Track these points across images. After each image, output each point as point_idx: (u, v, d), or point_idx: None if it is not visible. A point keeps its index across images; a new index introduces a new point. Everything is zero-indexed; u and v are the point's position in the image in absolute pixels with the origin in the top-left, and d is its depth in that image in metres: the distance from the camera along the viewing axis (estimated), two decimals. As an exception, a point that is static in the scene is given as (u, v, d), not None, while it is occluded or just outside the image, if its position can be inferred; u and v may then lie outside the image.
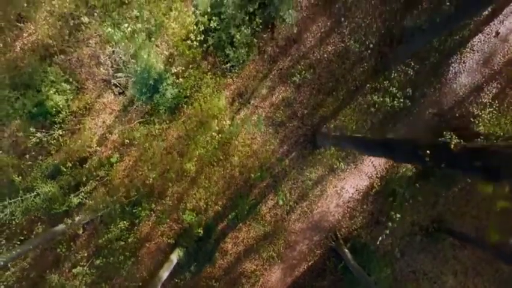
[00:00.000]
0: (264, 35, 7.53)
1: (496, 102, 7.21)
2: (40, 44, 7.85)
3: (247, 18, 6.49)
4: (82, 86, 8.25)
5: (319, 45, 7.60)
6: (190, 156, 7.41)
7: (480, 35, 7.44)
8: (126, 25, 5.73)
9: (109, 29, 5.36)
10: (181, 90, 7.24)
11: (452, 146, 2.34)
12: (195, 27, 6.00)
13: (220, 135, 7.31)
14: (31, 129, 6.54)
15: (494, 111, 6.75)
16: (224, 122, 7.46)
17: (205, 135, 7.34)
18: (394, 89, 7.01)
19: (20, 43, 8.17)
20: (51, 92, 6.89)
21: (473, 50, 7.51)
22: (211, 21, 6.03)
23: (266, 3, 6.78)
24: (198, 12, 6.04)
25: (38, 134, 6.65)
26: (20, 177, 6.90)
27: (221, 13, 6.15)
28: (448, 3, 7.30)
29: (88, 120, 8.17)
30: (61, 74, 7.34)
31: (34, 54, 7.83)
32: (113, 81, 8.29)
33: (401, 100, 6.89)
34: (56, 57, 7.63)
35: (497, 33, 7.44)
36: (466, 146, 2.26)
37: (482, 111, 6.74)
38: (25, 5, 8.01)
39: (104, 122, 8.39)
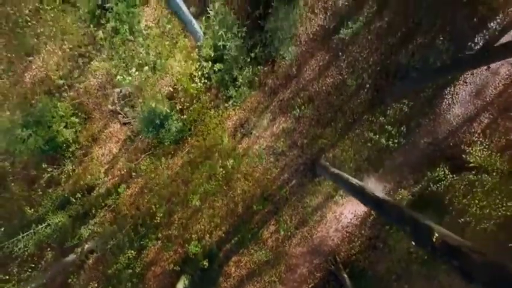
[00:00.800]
0: (265, 68, 7.85)
1: (488, 132, 7.54)
2: (49, 78, 8.17)
3: (248, 59, 6.80)
4: (89, 116, 8.56)
5: (318, 77, 7.90)
6: (194, 190, 7.70)
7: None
8: (134, 70, 6.03)
9: (119, 77, 5.66)
10: (186, 124, 7.54)
11: (434, 239, 2.61)
12: (198, 72, 6.30)
13: (223, 170, 7.61)
14: (43, 165, 6.84)
15: (484, 147, 7.04)
16: (227, 155, 7.75)
17: (209, 171, 7.65)
18: (389, 126, 7.32)
19: (29, 75, 8.50)
20: (61, 127, 7.18)
21: (466, 83, 7.82)
22: (215, 65, 6.33)
23: (267, 43, 7.08)
24: (201, 56, 6.34)
25: (50, 169, 6.95)
26: (32, 210, 7.20)
27: (224, 55, 6.44)
28: (441, 38, 7.61)
29: (95, 149, 8.48)
30: (70, 108, 7.64)
31: (43, 86, 8.17)
32: (119, 110, 8.61)
33: (396, 141, 7.20)
34: (64, 90, 7.94)
35: (489, 67, 7.74)
36: (446, 241, 2.52)
37: (473, 147, 7.03)
38: (35, 40, 8.32)
39: (110, 151, 8.70)
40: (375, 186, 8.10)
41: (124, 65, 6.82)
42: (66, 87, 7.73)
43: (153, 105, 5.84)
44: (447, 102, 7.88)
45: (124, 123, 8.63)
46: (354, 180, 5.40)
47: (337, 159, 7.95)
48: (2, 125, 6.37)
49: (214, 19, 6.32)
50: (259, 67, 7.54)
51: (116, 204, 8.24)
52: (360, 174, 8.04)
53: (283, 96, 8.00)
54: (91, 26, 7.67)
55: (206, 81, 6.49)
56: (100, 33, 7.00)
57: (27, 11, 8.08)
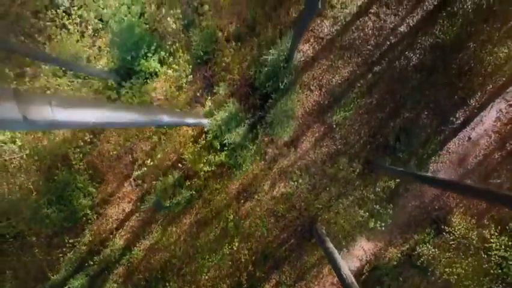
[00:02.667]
0: (265, 139, 8.59)
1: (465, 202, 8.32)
2: (65, 147, 8.88)
3: (253, 146, 7.56)
4: (102, 179, 9.28)
5: (314, 147, 8.64)
6: (202, 265, 8.47)
7: (455, 139, 8.49)
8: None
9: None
10: (194, 193, 8.27)
11: None
12: (204, 159, 7.06)
13: (228, 239, 8.35)
14: (65, 238, 7.56)
15: (463, 219, 7.77)
16: (230, 223, 8.49)
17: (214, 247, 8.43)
18: (377, 206, 8.07)
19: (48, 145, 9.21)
20: (80, 199, 7.91)
21: (449, 152, 8.55)
22: (221, 154, 7.07)
23: (267, 124, 7.84)
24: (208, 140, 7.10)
25: (71, 240, 7.67)
26: (54, 275, 7.92)
27: (229, 144, 7.20)
28: (425, 113, 8.36)
29: (109, 210, 9.20)
30: (87, 178, 8.36)
31: (61, 157, 8.89)
32: (131, 174, 9.33)
33: (383, 224, 7.95)
34: (79, 159, 8.65)
35: (469, 138, 8.48)
36: None
37: (454, 216, 7.76)
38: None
39: (124, 210, 9.42)
40: (366, 247, 8.84)
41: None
42: (81, 154, 8.42)
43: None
44: (432, 169, 8.61)
45: (136, 185, 9.36)
46: (339, 260, 6.18)
47: (331, 225, 8.68)
48: (29, 207, 7.09)
49: (218, 113, 7.08)
50: (260, 141, 8.28)
51: (129, 262, 8.97)
52: (352, 235, 8.77)
53: (283, 164, 8.73)
54: (107, 91, 8.44)
55: (212, 167, 7.24)
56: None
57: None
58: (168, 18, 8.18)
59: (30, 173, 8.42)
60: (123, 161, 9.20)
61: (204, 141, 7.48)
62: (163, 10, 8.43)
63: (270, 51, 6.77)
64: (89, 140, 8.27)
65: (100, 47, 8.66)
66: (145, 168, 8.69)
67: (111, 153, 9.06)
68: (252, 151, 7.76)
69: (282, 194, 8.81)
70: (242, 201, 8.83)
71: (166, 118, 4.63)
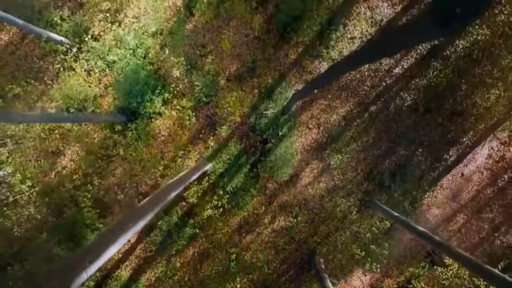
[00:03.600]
0: (266, 175, 8.90)
1: (463, 231, 8.60)
2: (71, 180, 9.20)
3: (254, 189, 7.89)
4: (108, 212, 9.59)
5: (312, 183, 8.95)
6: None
7: (448, 175, 8.80)
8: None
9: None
10: (198, 231, 8.58)
11: None
12: (209, 204, 7.38)
13: (231, 276, 8.66)
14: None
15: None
16: (232, 263, 8.82)
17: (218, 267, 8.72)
18: (374, 246, 8.39)
19: (56, 172, 9.53)
20: (88, 235, 8.22)
21: (443, 188, 8.86)
22: (224, 198, 7.39)
23: (267, 164, 8.16)
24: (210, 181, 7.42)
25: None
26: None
27: (232, 188, 7.53)
28: (420, 150, 8.68)
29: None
30: (95, 215, 8.67)
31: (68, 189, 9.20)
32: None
33: (378, 266, 8.27)
34: (87, 193, 8.97)
35: (463, 174, 8.79)
36: None
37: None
38: (60, 144, 9.36)
39: (129, 241, 9.73)
40: (363, 278, 9.15)
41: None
42: (90, 187, 8.73)
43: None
44: (427, 204, 8.92)
45: (141, 218, 9.66)
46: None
47: (330, 258, 8.98)
48: (41, 247, 7.41)
49: (220, 157, 7.39)
50: (261, 177, 8.61)
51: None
52: (350, 268, 9.08)
53: (282, 199, 9.04)
54: (113, 135, 8.77)
55: (215, 211, 7.57)
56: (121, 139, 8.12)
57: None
58: (172, 58, 8.51)
59: (39, 208, 8.76)
60: (129, 194, 9.52)
61: (207, 184, 7.79)
62: (167, 50, 8.76)
63: (269, 106, 7.06)
64: (97, 183, 8.60)
65: (106, 84, 9.00)
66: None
67: (117, 188, 9.39)
68: (254, 193, 8.07)
69: (282, 227, 9.12)
70: (243, 234, 9.14)
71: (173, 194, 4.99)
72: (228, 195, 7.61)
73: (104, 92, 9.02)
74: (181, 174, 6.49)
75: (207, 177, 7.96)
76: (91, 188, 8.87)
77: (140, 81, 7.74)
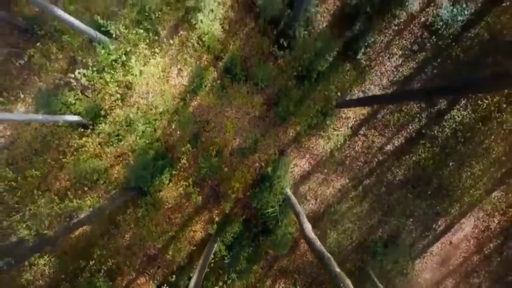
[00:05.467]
0: (267, 248, 9.48)
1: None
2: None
3: (257, 267, 8.49)
4: (118, 272, 10.16)
5: (310, 250, 9.52)
6: None
7: (438, 243, 9.39)
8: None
9: None
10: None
11: None
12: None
13: None
14: None
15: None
16: None
17: None
18: None
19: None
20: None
21: (433, 254, 9.45)
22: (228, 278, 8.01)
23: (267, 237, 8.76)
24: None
25: None
26: None
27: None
28: (410, 220, 9.27)
29: (125, 303, 10.07)
30: (108, 283, 9.26)
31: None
32: (146, 267, 10.23)
33: None
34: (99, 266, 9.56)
35: (451, 242, 9.37)
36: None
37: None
38: (74, 214, 9.95)
39: (138, 302, 10.29)
40: None
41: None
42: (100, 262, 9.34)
43: None
44: (417, 269, 9.50)
45: (150, 278, 10.25)
46: None
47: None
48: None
49: (225, 236, 8.00)
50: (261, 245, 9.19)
51: None
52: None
53: (282, 264, 9.62)
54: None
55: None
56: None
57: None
58: (178, 132, 9.12)
59: (54, 270, 9.43)
60: (138, 256, 10.10)
61: (213, 262, 8.38)
62: (173, 126, 9.38)
63: (270, 209, 7.70)
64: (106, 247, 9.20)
65: (115, 155, 9.59)
66: (159, 261, 9.63)
67: (125, 250, 9.97)
68: (256, 268, 8.65)
69: (282, 290, 9.69)
70: (245, 297, 9.71)
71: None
72: (232, 274, 8.20)
73: (114, 161, 9.64)
74: (199, 263, 7.13)
75: (212, 255, 8.56)
76: (103, 253, 9.48)
77: (150, 164, 8.34)
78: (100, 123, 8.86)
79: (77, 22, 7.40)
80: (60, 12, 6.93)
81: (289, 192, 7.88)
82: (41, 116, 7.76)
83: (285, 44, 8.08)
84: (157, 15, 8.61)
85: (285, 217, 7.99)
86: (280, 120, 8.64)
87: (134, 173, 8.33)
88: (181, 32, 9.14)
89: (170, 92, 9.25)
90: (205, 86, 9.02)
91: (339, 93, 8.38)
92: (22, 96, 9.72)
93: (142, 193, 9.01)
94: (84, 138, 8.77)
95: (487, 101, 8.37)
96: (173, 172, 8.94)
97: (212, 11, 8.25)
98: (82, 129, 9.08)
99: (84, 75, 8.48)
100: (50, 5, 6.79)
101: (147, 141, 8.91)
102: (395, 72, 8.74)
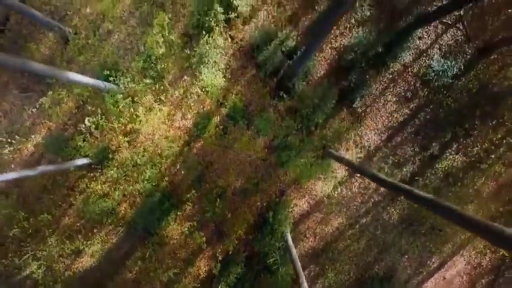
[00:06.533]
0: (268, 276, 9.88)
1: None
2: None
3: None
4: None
5: (310, 285, 9.93)
6: None
7: (432, 279, 9.80)
8: None
9: None
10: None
11: None
12: None
13: None
14: None
15: None
16: None
17: None
18: None
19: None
20: None
21: (427, 290, 9.87)
22: None
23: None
24: None
25: None
26: None
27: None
28: (405, 257, 9.67)
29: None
30: (114, 317, 9.64)
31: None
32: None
33: None
34: None
35: (444, 278, 9.79)
36: None
37: None
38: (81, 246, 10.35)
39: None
40: None
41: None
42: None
43: None
44: (413, 303, 9.92)
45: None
46: None
47: None
48: None
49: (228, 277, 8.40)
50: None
51: None
52: None
53: (283, 299, 10.00)
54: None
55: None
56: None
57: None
58: (182, 172, 9.53)
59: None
60: (142, 290, 10.48)
61: None
62: (178, 166, 9.79)
63: (271, 258, 8.12)
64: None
65: (123, 194, 9.99)
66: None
67: (132, 282, 10.37)
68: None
69: (283, 324, 10.07)
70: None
71: None
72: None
73: (121, 199, 10.04)
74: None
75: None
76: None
77: (156, 209, 8.75)
78: (108, 167, 9.27)
79: (86, 79, 7.79)
80: (71, 75, 7.32)
81: (290, 241, 8.27)
82: (53, 166, 8.16)
83: (285, 96, 8.50)
84: (162, 66, 9.03)
85: (285, 265, 8.39)
86: (280, 165, 9.05)
87: (141, 217, 8.74)
88: (185, 78, 9.56)
89: (175, 135, 9.67)
90: (208, 131, 9.43)
91: (335, 144, 8.81)
92: (32, 136, 10.20)
93: (149, 233, 9.41)
94: (93, 184, 9.18)
95: (476, 148, 8.80)
96: (178, 213, 9.35)
97: (215, 62, 8.68)
98: (91, 171, 9.49)
99: (93, 123, 8.92)
100: (60, 71, 7.15)
101: (153, 184, 9.32)
102: (390, 118, 9.18)
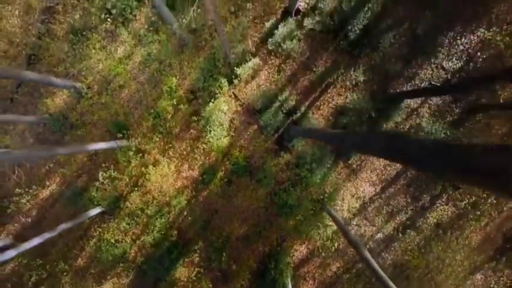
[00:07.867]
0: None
1: None
2: None
3: None
4: None
5: (309, 322, 10.53)
6: None
7: (424, 320, 10.37)
8: None
9: None
10: None
11: None
12: None
13: None
14: None
15: None
16: None
17: None
18: None
19: None
20: None
21: (420, 330, 10.44)
22: None
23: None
24: None
25: None
26: None
27: None
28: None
29: None
30: None
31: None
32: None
33: None
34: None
35: (437, 319, 10.37)
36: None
37: None
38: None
39: None
40: None
41: None
42: None
43: None
44: None
45: None
46: None
47: None
48: None
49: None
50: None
51: None
52: None
53: (284, 337, 10.60)
54: None
55: None
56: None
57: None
58: (189, 218, 10.16)
59: None
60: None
61: None
62: (185, 213, 10.43)
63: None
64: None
65: (134, 239, 10.62)
66: None
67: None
68: None
69: None
70: None
71: None
72: None
73: (132, 243, 10.67)
74: None
75: None
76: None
77: (165, 258, 9.39)
78: (120, 217, 9.92)
79: (101, 145, 8.46)
80: (89, 147, 7.97)
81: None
82: (71, 223, 8.82)
83: (283, 154, 9.14)
84: (171, 124, 9.69)
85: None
86: (280, 215, 9.67)
87: (152, 267, 9.39)
88: (192, 132, 10.21)
89: (182, 185, 10.32)
90: (214, 183, 10.07)
91: (333, 197, 9.44)
92: (47, 183, 10.89)
93: (158, 279, 10.04)
94: (106, 234, 9.82)
95: (465, 201, 9.42)
96: (186, 259, 9.98)
97: (221, 124, 9.32)
98: (103, 221, 10.14)
99: (106, 177, 9.57)
100: (80, 147, 7.79)
101: (162, 233, 9.96)
102: (383, 171, 9.80)
